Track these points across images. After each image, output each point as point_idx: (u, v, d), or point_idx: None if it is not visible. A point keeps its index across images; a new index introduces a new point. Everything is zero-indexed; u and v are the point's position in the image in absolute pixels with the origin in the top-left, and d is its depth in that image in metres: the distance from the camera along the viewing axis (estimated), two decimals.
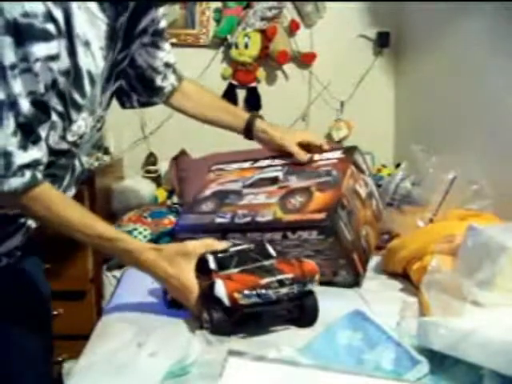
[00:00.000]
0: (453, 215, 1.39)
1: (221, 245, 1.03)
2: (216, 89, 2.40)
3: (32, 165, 0.89)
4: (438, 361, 0.79)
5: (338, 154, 1.25)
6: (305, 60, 2.44)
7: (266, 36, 2.35)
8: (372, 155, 2.48)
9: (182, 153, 2.30)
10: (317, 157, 1.27)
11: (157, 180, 2.34)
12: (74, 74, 0.90)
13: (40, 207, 0.93)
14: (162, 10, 1.18)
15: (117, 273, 1.85)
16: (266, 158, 1.36)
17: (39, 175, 0.91)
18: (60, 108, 0.92)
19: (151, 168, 2.39)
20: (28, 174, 0.88)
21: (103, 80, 1.00)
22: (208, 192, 1.35)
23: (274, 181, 1.27)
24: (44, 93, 0.87)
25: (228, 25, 2.35)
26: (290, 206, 1.17)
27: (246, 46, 2.35)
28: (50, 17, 0.83)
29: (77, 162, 1.08)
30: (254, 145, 1.39)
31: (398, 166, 1.90)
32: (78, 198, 1.80)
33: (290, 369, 0.74)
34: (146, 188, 2.20)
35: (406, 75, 2.44)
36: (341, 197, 1.14)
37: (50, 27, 0.84)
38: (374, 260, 1.41)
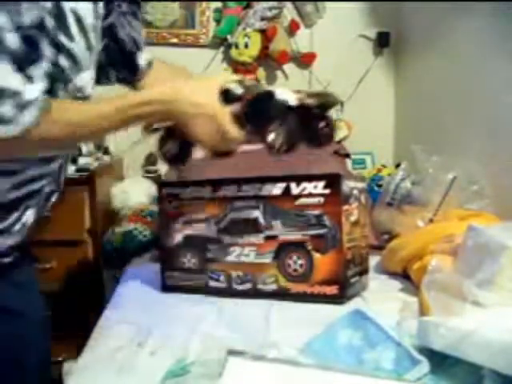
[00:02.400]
0: (453, 215, 1.39)
1: (236, 76, 1.06)
2: None
3: (40, 96, 0.85)
4: (438, 361, 0.79)
5: (321, 187, 1.11)
6: (305, 60, 2.44)
7: (266, 36, 2.35)
8: (372, 155, 2.49)
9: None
10: (295, 188, 1.13)
11: (157, 180, 2.34)
12: (58, 13, 0.86)
13: (63, 123, 0.90)
14: None
15: (117, 273, 1.85)
16: (229, 183, 1.20)
17: (45, 98, 0.86)
18: (54, 58, 0.88)
19: (151, 168, 2.39)
20: (37, 102, 0.85)
21: (96, 35, 0.97)
22: (178, 236, 1.24)
23: (254, 225, 1.16)
24: (31, 26, 0.82)
25: (228, 25, 2.35)
26: (290, 270, 1.13)
27: (246, 46, 2.35)
28: None
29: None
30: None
31: (398, 166, 1.90)
32: (78, 197, 1.83)
33: (290, 369, 0.74)
34: (145, 188, 2.20)
35: (406, 75, 2.44)
36: (346, 262, 1.11)
37: None
38: (374, 260, 1.42)
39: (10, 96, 0.82)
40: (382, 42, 2.46)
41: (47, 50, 0.86)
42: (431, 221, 1.43)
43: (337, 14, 2.42)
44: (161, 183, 1.29)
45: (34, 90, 0.84)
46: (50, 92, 0.89)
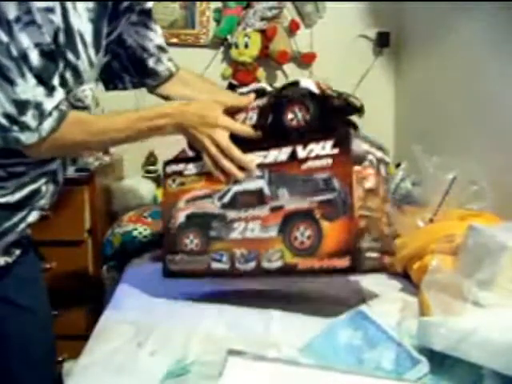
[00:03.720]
0: (453, 215, 1.39)
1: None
2: None
3: (58, 104, 0.94)
4: (438, 361, 0.79)
5: (329, 148, 1.01)
6: (305, 60, 2.44)
7: (266, 36, 2.35)
8: None
9: (183, 153, 2.30)
10: (301, 152, 1.04)
11: (157, 180, 2.34)
12: (67, 31, 0.93)
13: (78, 132, 0.99)
14: None
15: (116, 273, 1.85)
16: None
17: (64, 107, 0.96)
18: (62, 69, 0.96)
19: (151, 168, 2.39)
20: (55, 112, 0.94)
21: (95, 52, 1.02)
22: (181, 216, 1.18)
23: (259, 196, 1.08)
24: (50, 42, 0.90)
25: (228, 25, 2.35)
26: (297, 244, 1.02)
27: (246, 46, 2.35)
28: None
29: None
30: None
31: (398, 165, 1.90)
32: (78, 197, 1.83)
33: (290, 369, 0.74)
34: (145, 188, 2.20)
35: (406, 75, 2.44)
36: (359, 231, 0.99)
37: None
38: None
39: (33, 107, 0.91)
40: (382, 41, 2.46)
41: (60, 62, 0.94)
42: (431, 221, 1.43)
43: (337, 14, 2.42)
44: (165, 162, 1.23)
45: (54, 100, 0.93)
46: None
